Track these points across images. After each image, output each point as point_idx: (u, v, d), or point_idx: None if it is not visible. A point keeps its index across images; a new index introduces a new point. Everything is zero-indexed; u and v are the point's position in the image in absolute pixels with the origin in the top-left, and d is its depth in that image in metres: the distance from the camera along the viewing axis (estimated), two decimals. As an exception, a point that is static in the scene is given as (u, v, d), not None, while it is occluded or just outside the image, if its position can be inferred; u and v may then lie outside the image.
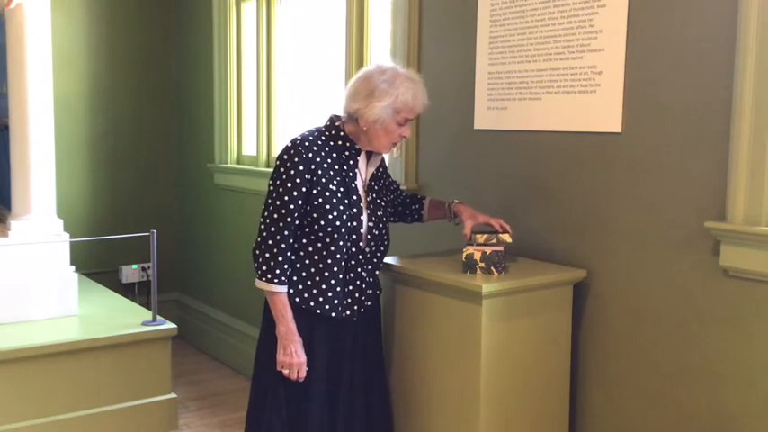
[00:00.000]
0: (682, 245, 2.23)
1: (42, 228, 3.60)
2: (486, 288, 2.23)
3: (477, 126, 2.85)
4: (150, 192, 5.07)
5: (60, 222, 3.69)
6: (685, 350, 2.25)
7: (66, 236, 3.70)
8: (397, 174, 3.18)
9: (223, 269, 4.69)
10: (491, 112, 2.78)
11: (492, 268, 2.35)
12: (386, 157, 3.31)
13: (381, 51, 3.35)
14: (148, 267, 4.74)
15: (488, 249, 2.36)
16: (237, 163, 4.52)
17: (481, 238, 2.39)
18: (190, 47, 4.91)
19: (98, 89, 4.83)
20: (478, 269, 2.35)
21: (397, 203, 2.61)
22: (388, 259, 2.59)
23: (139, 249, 4.68)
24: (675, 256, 2.25)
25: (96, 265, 4.73)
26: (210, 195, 4.75)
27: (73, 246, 3.85)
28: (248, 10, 4.38)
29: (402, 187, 3.06)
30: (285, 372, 2.33)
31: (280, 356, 2.33)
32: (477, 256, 2.35)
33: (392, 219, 2.62)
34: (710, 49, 2.13)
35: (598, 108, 2.42)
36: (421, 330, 2.47)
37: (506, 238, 2.40)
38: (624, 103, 2.35)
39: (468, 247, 2.38)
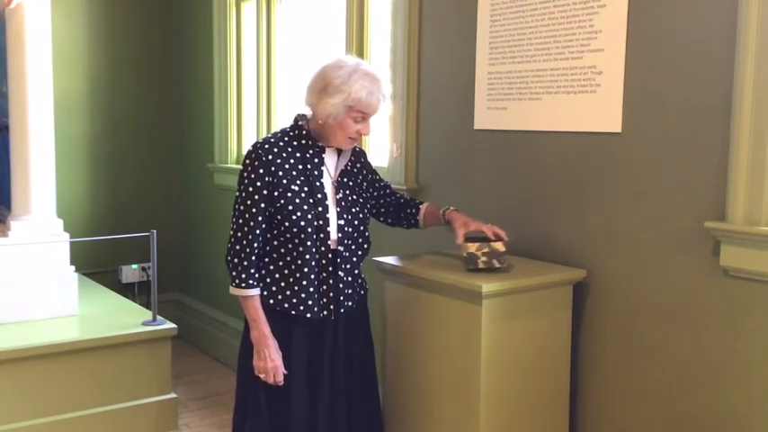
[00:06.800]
0: (682, 245, 2.23)
1: (42, 228, 3.60)
2: (486, 288, 2.23)
3: (477, 126, 2.85)
4: (150, 192, 5.07)
5: (60, 222, 3.69)
6: (685, 350, 2.25)
7: (66, 236, 3.70)
8: (396, 174, 3.18)
9: (223, 269, 4.66)
10: (491, 112, 2.78)
11: (494, 261, 2.35)
12: (389, 154, 3.31)
13: (381, 51, 3.35)
14: (148, 267, 4.74)
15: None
16: (237, 163, 4.51)
17: (473, 246, 2.36)
18: (190, 47, 4.91)
19: (98, 89, 4.83)
20: (480, 263, 2.35)
21: (388, 203, 2.58)
22: (386, 259, 2.59)
23: (139, 249, 4.68)
24: (675, 256, 2.25)
25: (96, 265, 4.72)
26: (210, 195, 4.75)
27: (73, 246, 3.84)
28: (248, 10, 4.38)
29: (402, 188, 3.07)
30: (262, 376, 2.33)
31: (255, 361, 2.34)
32: (479, 250, 2.36)
33: (386, 221, 2.61)
34: (710, 49, 2.13)
35: (598, 108, 2.42)
36: (421, 330, 2.47)
37: (498, 246, 2.36)
38: (624, 103, 2.35)
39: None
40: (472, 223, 2.42)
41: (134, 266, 4.90)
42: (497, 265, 2.35)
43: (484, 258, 2.35)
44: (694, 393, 2.24)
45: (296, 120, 2.38)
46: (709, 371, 2.20)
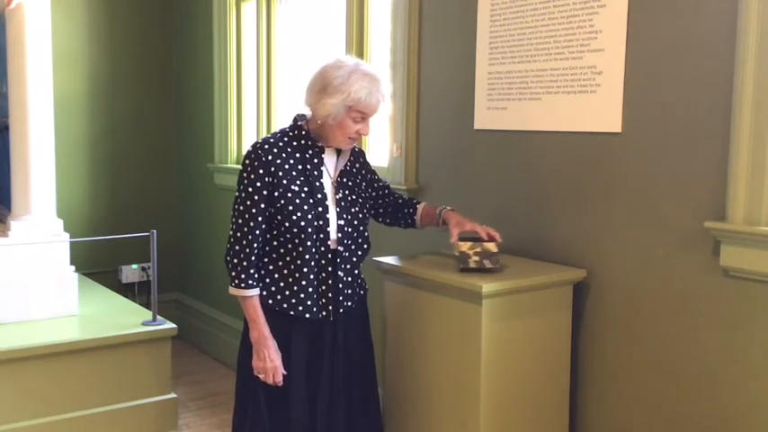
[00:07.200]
0: (682, 245, 2.23)
1: (42, 228, 3.60)
2: (486, 288, 2.23)
3: (477, 126, 2.85)
4: (150, 192, 5.07)
5: (60, 222, 3.69)
6: (685, 350, 2.25)
7: (66, 236, 3.70)
8: (397, 174, 3.19)
9: (223, 269, 4.66)
10: (491, 112, 2.78)
11: (485, 262, 2.34)
12: (389, 154, 3.31)
13: (381, 51, 3.35)
14: (148, 267, 4.74)
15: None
16: (237, 163, 4.51)
17: (465, 245, 2.37)
18: (190, 47, 4.91)
19: (98, 89, 4.83)
20: (471, 262, 2.35)
21: (386, 203, 2.58)
22: (386, 259, 2.59)
23: (139, 249, 4.68)
24: (675, 256, 2.25)
25: (96, 265, 4.72)
26: (210, 195, 4.75)
27: (73, 246, 3.84)
28: (248, 10, 4.38)
29: (402, 188, 3.07)
30: (261, 377, 2.34)
31: (254, 361, 2.34)
32: (471, 250, 2.36)
33: (384, 220, 2.61)
34: (710, 49, 2.13)
35: (598, 108, 2.42)
36: (421, 330, 2.47)
37: (491, 247, 2.36)
38: (624, 103, 2.35)
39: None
40: (467, 223, 2.43)
41: (134, 266, 4.90)
42: (489, 265, 2.35)
43: (475, 258, 2.35)
44: (694, 393, 2.24)
45: (295, 120, 2.38)
46: (709, 371, 2.20)
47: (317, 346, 2.38)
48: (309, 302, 2.31)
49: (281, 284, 2.32)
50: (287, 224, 2.27)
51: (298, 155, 2.32)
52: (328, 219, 2.31)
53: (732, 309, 2.13)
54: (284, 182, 2.28)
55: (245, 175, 2.29)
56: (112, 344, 3.43)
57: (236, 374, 2.48)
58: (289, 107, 4.13)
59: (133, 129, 4.97)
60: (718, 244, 2.12)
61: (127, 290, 4.84)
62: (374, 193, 2.55)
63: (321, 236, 2.30)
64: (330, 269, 2.33)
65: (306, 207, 2.28)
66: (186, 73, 4.99)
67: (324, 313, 2.34)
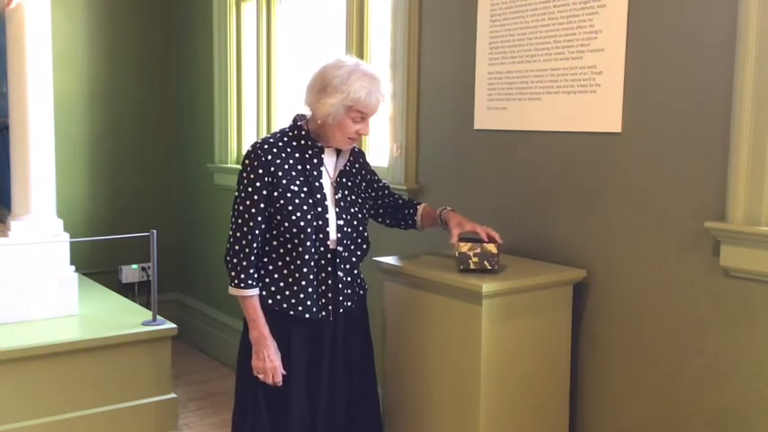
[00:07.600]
0: (682, 245, 2.23)
1: (42, 228, 3.60)
2: (486, 288, 2.23)
3: (477, 126, 2.85)
4: (150, 192, 5.07)
5: (60, 222, 3.69)
6: (685, 350, 2.25)
7: (66, 236, 3.70)
8: (397, 174, 3.19)
9: (223, 269, 4.66)
10: (491, 112, 2.78)
11: (485, 263, 2.35)
12: (389, 154, 3.31)
13: (381, 51, 3.35)
14: (148, 267, 4.74)
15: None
16: (237, 163, 4.51)
17: (465, 246, 2.37)
18: (190, 47, 4.91)
19: (98, 89, 4.83)
20: (471, 263, 2.35)
21: (386, 204, 2.57)
22: (386, 259, 2.59)
23: (139, 249, 4.68)
24: (675, 256, 2.25)
25: (96, 265, 4.73)
26: (210, 195, 4.75)
27: (73, 246, 3.84)
28: (248, 10, 4.38)
29: (402, 188, 3.07)
30: (260, 377, 2.34)
31: (253, 361, 2.34)
32: (471, 250, 2.36)
33: (384, 221, 2.61)
34: (710, 49, 2.13)
35: (598, 108, 2.42)
36: (421, 331, 2.47)
37: (491, 248, 2.36)
38: (624, 103, 2.35)
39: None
40: (467, 224, 2.43)
41: (134, 266, 4.90)
42: (488, 266, 2.35)
43: (475, 259, 2.35)
44: (694, 393, 2.24)
45: (295, 120, 2.38)
46: (709, 371, 2.20)
47: (317, 346, 2.38)
48: (309, 302, 2.31)
49: (281, 284, 2.32)
50: (286, 224, 2.27)
51: (297, 155, 2.32)
52: (327, 219, 2.31)
53: (732, 309, 2.13)
54: (284, 182, 2.28)
55: (244, 175, 2.30)
56: (112, 344, 3.43)
57: (235, 374, 2.48)
58: (289, 107, 4.13)
59: (133, 129, 4.97)
60: (718, 244, 2.12)
61: (127, 290, 4.84)
62: (374, 194, 2.55)
63: (320, 236, 2.30)
64: (330, 269, 2.33)
65: (305, 207, 2.28)
66: (186, 73, 4.99)
67: (323, 313, 2.34)
